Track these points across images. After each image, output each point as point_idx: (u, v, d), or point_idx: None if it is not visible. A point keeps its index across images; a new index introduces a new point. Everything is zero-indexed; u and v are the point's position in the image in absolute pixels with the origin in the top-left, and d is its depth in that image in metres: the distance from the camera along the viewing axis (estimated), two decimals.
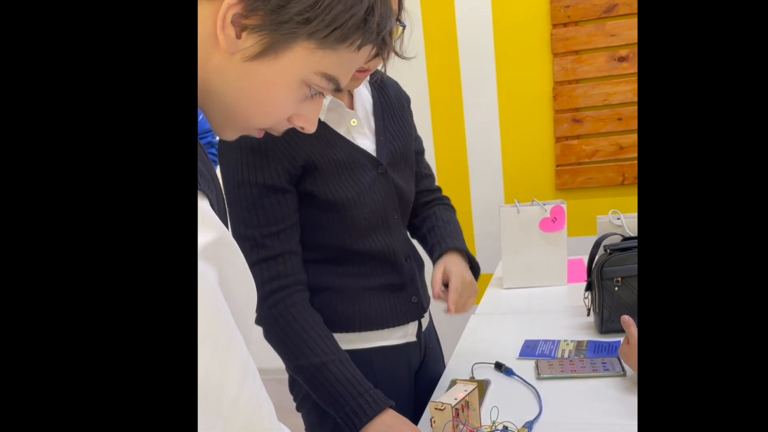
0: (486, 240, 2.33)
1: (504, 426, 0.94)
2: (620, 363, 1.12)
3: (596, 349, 1.22)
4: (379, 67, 1.04)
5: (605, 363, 1.13)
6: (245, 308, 0.57)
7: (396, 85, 1.18)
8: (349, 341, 1.06)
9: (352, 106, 1.06)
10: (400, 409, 0.98)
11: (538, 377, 1.13)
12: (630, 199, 2.14)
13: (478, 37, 2.19)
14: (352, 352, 1.01)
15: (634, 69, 2.06)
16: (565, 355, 1.20)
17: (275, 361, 1.02)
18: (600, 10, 2.05)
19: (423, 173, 1.24)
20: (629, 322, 1.07)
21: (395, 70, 1.18)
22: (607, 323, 1.27)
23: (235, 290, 0.53)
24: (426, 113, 2.28)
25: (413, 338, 1.15)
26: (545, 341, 1.28)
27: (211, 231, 0.49)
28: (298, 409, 1.14)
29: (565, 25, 2.10)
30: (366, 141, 1.06)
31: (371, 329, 1.08)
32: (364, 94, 1.10)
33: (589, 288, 1.31)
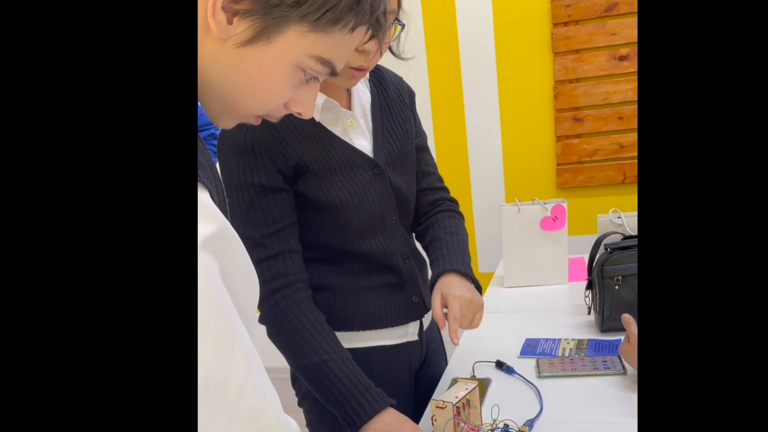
0: (487, 239, 2.34)
1: (505, 424, 0.94)
2: (621, 361, 1.12)
3: (597, 347, 1.22)
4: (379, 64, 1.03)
5: (606, 361, 1.14)
6: (248, 300, 0.56)
7: (397, 81, 1.15)
8: (349, 340, 1.06)
9: (349, 106, 1.05)
10: (400, 409, 0.98)
11: (539, 376, 1.13)
12: (631, 198, 2.14)
13: (479, 37, 2.19)
14: (351, 351, 1.01)
15: (635, 68, 2.06)
16: (566, 354, 1.20)
17: (277, 360, 1.02)
18: (600, 9, 2.05)
19: (425, 170, 1.20)
20: (630, 321, 1.07)
21: (396, 70, 1.18)
22: (607, 322, 1.27)
23: (237, 282, 0.53)
24: (427, 112, 2.29)
25: (414, 337, 1.15)
26: (546, 340, 1.28)
27: (212, 223, 0.49)
28: (300, 404, 1.14)
29: (565, 24, 2.10)
30: (363, 141, 1.05)
31: (370, 328, 1.08)
32: (362, 92, 1.08)
33: (589, 287, 1.31)
